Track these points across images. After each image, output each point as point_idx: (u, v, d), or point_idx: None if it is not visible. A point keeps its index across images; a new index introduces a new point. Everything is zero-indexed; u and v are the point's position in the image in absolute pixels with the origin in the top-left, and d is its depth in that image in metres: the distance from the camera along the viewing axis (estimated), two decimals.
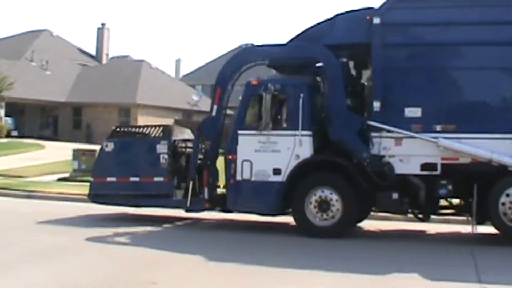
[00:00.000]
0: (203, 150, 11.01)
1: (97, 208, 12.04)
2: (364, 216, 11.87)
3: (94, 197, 11.69)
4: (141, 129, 12.50)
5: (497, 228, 10.16)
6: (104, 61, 51.61)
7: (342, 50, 10.84)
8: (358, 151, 10.33)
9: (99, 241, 9.48)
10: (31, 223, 10.96)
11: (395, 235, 11.37)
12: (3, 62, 38.77)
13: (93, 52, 52.12)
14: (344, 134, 10.43)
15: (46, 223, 10.96)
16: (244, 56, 11.30)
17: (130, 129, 13.62)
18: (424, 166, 10.25)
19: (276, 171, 10.54)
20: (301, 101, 10.48)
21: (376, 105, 10.37)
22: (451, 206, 10.88)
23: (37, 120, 44.93)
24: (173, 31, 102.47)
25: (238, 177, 10.65)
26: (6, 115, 39.68)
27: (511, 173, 9.95)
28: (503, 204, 9.87)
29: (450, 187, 10.21)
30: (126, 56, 54.14)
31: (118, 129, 12.22)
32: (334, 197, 10.33)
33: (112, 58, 52.63)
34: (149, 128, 11.96)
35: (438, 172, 10.22)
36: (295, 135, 10.47)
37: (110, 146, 11.49)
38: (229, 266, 7.92)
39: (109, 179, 11.44)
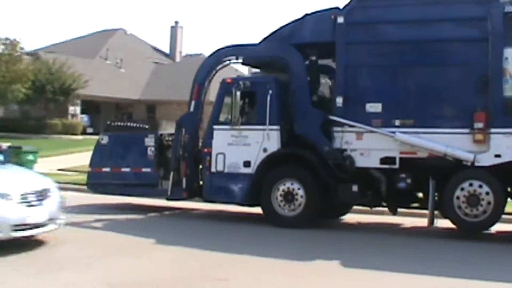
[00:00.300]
0: (182, 143, 12.00)
1: (179, 204, 12.99)
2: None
3: (92, 186, 13.05)
4: (133, 124, 13.74)
5: (452, 222, 10.49)
6: (178, 59, 53.81)
7: (310, 49, 11.49)
8: (320, 144, 10.99)
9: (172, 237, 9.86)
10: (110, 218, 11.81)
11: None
12: (78, 60, 41.51)
13: (167, 50, 54.48)
14: (307, 129, 11.13)
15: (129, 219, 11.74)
16: (219, 55, 12.20)
17: (123, 123, 14.90)
18: (384, 160, 10.76)
19: (246, 164, 11.40)
20: (268, 97, 11.28)
21: (339, 100, 11.00)
22: (416, 199, 11.27)
23: (111, 117, 47.62)
24: (246, 29, 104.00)
25: (213, 169, 11.61)
26: (82, 112, 42.32)
27: (465, 167, 10.25)
28: (458, 198, 10.21)
29: (408, 180, 10.65)
30: (199, 54, 56.03)
31: (112, 123, 13.54)
32: (298, 189, 11.04)
33: (186, 56, 54.72)
34: (140, 122, 13.15)
35: (397, 166, 10.69)
36: (263, 129, 11.28)
37: (105, 139, 12.82)
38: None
39: (104, 169, 12.75)
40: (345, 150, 10.93)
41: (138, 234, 9.92)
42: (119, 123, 14.25)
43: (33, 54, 40.89)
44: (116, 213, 12.24)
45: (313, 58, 11.56)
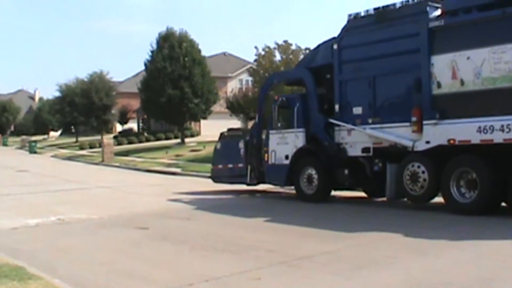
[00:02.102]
0: (253, 145, 18.05)
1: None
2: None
3: (214, 178, 19.98)
4: (233, 132, 20.09)
5: (404, 196, 14.24)
6: None
7: (324, 69, 16.34)
8: (323, 140, 15.90)
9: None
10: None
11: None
12: None
13: None
14: (316, 130, 16.12)
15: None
16: (266, 81, 17.88)
17: (228, 132, 21.19)
18: (363, 150, 15.13)
19: (286, 157, 16.93)
20: (296, 108, 16.61)
21: (336, 107, 15.74)
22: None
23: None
24: None
25: (269, 162, 17.41)
26: None
27: (410, 153, 13.98)
28: (406, 176, 14.03)
29: (380, 164, 14.81)
30: None
31: (223, 133, 20.18)
32: (314, 174, 16.09)
33: None
34: (237, 131, 19.53)
35: (371, 154, 14.95)
36: (294, 132, 16.63)
37: (219, 145, 19.62)
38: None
39: (219, 166, 19.52)
40: (341, 144, 15.58)
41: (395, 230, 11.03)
42: (226, 133, 20.76)
43: None
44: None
45: (328, 76, 16.36)
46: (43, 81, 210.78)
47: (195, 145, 44.98)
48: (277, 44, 38.74)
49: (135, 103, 67.07)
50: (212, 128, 48.50)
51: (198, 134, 59.83)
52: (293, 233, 11.29)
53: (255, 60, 40.76)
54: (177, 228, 12.51)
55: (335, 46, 15.76)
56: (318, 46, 16.71)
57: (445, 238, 10.07)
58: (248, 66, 53.96)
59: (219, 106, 51.64)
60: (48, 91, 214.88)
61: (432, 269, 7.95)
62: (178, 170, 30.94)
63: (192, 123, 58.97)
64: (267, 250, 9.49)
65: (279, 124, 17.13)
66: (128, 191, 21.42)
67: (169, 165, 34.15)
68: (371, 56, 14.94)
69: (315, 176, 16.06)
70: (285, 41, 38.59)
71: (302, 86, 17.52)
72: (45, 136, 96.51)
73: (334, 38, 15.99)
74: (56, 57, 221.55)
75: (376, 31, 14.82)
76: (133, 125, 71.97)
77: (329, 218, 13.42)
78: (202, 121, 55.76)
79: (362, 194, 17.07)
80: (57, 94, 71.29)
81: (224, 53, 74.40)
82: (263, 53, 39.34)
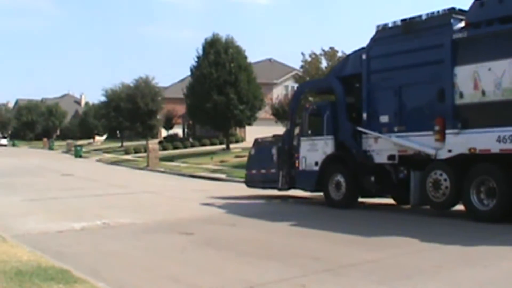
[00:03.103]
0: (284, 151, 19.22)
1: None
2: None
3: (248, 183, 21.25)
4: (267, 139, 21.24)
5: (427, 203, 15.15)
6: None
7: (353, 78, 17.43)
8: (351, 147, 16.97)
9: None
10: None
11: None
12: None
13: None
14: (344, 137, 17.21)
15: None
16: (298, 90, 19.06)
17: (262, 139, 22.22)
18: (389, 157, 16.13)
19: (316, 163, 18.05)
20: (325, 116, 17.73)
21: (364, 115, 16.78)
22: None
23: None
24: None
25: (300, 168, 18.57)
26: None
27: (433, 161, 14.92)
28: (429, 183, 14.97)
29: (405, 172, 15.80)
30: None
31: (257, 140, 21.38)
32: (342, 180, 17.17)
33: None
34: (270, 138, 20.72)
35: (396, 161, 15.95)
36: (324, 139, 17.75)
37: (253, 151, 20.88)
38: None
39: (253, 171, 20.77)
40: (368, 151, 16.62)
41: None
42: (259, 139, 21.92)
43: None
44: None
45: (357, 85, 17.42)
46: (89, 86, 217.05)
47: (240, 151, 46.28)
48: (323, 50, 39.77)
49: (181, 109, 69.03)
50: (257, 134, 49.37)
51: (243, 140, 61.23)
52: (336, 241, 11.87)
53: (301, 67, 41.78)
54: (221, 233, 13.12)
55: (363, 56, 16.84)
56: (348, 56, 17.84)
57: (492, 249, 10.42)
58: (294, 72, 55.09)
59: (264, 112, 52.93)
60: (94, 96, 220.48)
61: (482, 280, 8.12)
62: (222, 176, 32.22)
63: (237, 129, 60.47)
64: (312, 257, 9.92)
65: (309, 131, 18.30)
66: (172, 196, 22.36)
67: (214, 171, 35.40)
68: (397, 66, 15.97)
69: (343, 183, 17.12)
70: (331, 48, 39.59)
71: (332, 95, 18.62)
72: (91, 141, 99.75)
73: (363, 48, 17.06)
74: (102, 62, 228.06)
75: (403, 42, 15.84)
76: (178, 130, 73.92)
77: (368, 225, 14.14)
78: (247, 127, 57.05)
79: (385, 200, 17.97)
80: (103, 99, 73.91)
81: (269, 60, 75.92)
82: (309, 59, 40.36)
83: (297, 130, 19.59)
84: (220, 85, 48.52)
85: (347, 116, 17.41)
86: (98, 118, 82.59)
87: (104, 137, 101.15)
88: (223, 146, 54.27)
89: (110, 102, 70.47)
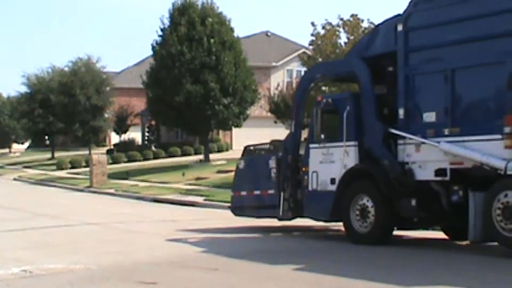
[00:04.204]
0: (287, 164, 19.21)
1: None
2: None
3: (234, 210, 21.25)
4: (261, 146, 21.23)
5: (494, 238, 15.04)
6: None
7: (384, 60, 17.40)
8: (382, 158, 16.95)
9: None
10: None
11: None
12: None
13: None
14: (372, 143, 17.19)
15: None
16: (305, 77, 19.05)
17: (254, 146, 22.17)
18: (437, 172, 16.05)
19: (332, 181, 17.96)
20: (345, 114, 17.69)
21: (400, 112, 16.76)
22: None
23: None
24: None
25: (309, 188, 18.55)
26: None
27: (502, 177, 14.78)
28: (495, 210, 14.83)
29: (460, 193, 15.72)
30: None
31: (247, 147, 21.36)
32: (370, 205, 17.06)
33: None
34: (266, 144, 20.69)
35: (447, 177, 15.90)
36: (344, 146, 17.72)
37: (242, 164, 20.88)
38: None
39: (242, 193, 20.78)
40: (407, 163, 16.59)
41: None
42: (251, 147, 21.90)
43: None
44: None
45: (390, 69, 17.41)
46: (4, 71, 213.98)
47: (224, 164, 46.15)
48: (342, 19, 39.57)
49: (139, 104, 69.02)
50: (248, 140, 49.32)
51: (229, 148, 61.17)
52: None
53: (311, 43, 41.62)
54: (198, 283, 12.85)
55: (399, 27, 16.80)
56: (377, 27, 17.87)
57: None
58: (300, 51, 55.15)
59: (259, 109, 52.91)
60: (10, 85, 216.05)
61: None
62: (199, 199, 32.19)
63: (221, 133, 60.40)
64: None
65: (322, 136, 18.23)
66: (127, 229, 22.13)
67: (187, 192, 35.31)
68: (450, 41, 15.93)
69: (371, 209, 17.09)
70: (353, 16, 39.45)
71: (355, 83, 18.66)
72: (6, 150, 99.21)
73: (399, 15, 17.05)
74: (19, 35, 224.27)
75: (458, 6, 15.82)
76: (135, 134, 73.66)
77: (408, 271, 13.94)
78: (235, 130, 56.92)
79: (432, 233, 17.98)
80: (24, 89, 73.87)
81: (266, 33, 76.14)
82: (322, 32, 40.19)
83: (305, 134, 19.63)
84: (196, 70, 48.54)
85: (376, 113, 17.41)
86: (17, 117, 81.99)
87: (26, 145, 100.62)
88: (200, 157, 54.29)
89: (35, 94, 70.12)
